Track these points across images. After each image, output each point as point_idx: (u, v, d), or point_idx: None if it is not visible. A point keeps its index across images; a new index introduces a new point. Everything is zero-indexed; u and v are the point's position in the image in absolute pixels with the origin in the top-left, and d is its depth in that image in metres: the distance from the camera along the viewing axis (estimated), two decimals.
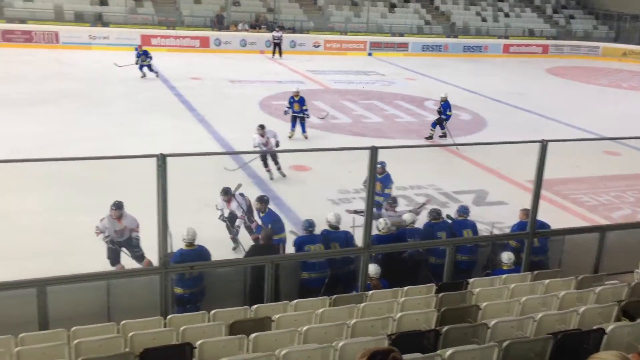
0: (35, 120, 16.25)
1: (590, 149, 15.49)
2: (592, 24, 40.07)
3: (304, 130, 16.18)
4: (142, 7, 31.13)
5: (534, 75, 29.68)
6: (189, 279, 7.44)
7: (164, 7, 31.73)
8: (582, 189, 13.74)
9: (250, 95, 21.01)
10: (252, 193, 10.38)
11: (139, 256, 8.96)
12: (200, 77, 23.93)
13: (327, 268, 7.94)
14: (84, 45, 27.79)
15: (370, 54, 33.11)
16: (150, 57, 22.61)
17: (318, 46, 32.33)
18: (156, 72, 22.96)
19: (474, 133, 18.15)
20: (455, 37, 35.73)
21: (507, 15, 38.67)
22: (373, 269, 7.53)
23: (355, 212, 9.83)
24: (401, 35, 34.74)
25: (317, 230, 8.35)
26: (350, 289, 7.76)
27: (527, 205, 8.31)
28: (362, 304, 6.23)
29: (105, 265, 8.67)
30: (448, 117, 16.90)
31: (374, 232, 8.06)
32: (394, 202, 10.21)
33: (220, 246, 9.13)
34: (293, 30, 32.98)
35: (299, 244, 8.14)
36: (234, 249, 9.74)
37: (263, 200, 9.31)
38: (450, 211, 10.19)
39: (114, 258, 8.95)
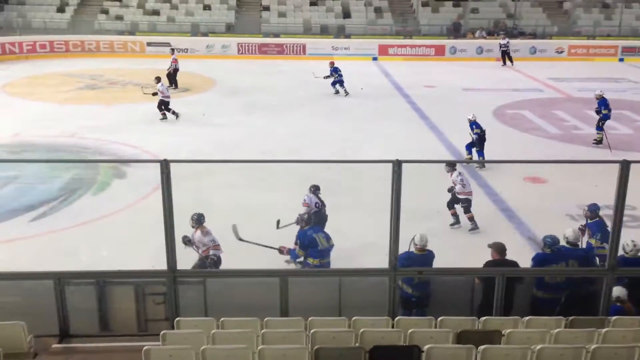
0: (285, 125, 17.80)
1: None
2: None
3: None
4: (381, 18, 32.28)
5: None
6: (418, 283, 7.51)
7: (402, 18, 32.52)
8: None
9: (484, 104, 20.54)
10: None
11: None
12: (433, 85, 24.05)
13: (564, 289, 7.42)
14: (327, 56, 29.60)
15: (621, 60, 30.23)
16: (341, 75, 21.67)
17: (561, 52, 30.41)
18: (346, 91, 21.78)
19: None
20: None
21: None
22: (619, 291, 6.87)
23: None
24: None
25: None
26: (589, 311, 7.16)
27: None
28: (604, 329, 5.73)
29: (336, 263, 9.09)
30: (605, 116, 15.34)
31: (620, 252, 7.35)
32: None
33: (451, 252, 9.06)
34: (534, 36, 31.47)
35: (541, 261, 7.71)
36: None
37: None
38: None
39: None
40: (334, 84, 21.94)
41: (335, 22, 32.00)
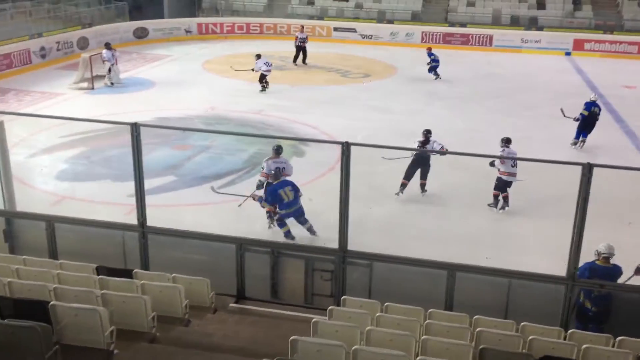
0: (464, 117, 17.40)
1: None
2: None
3: None
4: (580, 11, 30.10)
5: None
6: (597, 296, 7.00)
7: (603, 11, 30.04)
8: None
9: None
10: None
11: None
12: (634, 85, 21.98)
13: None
14: (515, 49, 28.36)
15: None
16: (437, 60, 22.41)
17: None
18: (437, 74, 22.40)
19: None
20: None
21: None
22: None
23: None
24: None
25: None
26: None
27: None
28: None
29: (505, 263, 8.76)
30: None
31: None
32: None
33: None
34: None
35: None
36: None
37: None
38: None
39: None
40: (430, 70, 22.35)
41: (528, 12, 30.39)
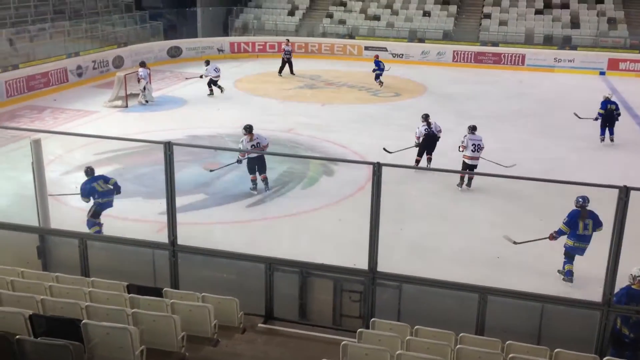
0: (492, 137, 17.21)
1: None
2: None
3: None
4: (614, 30, 29.69)
5: None
6: (635, 322, 6.79)
7: (638, 30, 29.59)
8: None
9: None
10: None
11: None
12: None
13: None
14: (548, 68, 28.10)
15: None
16: (382, 68, 23.83)
17: None
18: (380, 82, 23.85)
19: None
20: None
21: None
22: None
23: None
24: None
25: None
26: None
27: None
28: None
29: (537, 287, 8.60)
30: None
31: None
32: None
33: None
34: None
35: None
36: None
37: None
38: None
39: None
40: (376, 78, 23.82)
41: (561, 32, 30.10)
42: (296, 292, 7.70)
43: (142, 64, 20.78)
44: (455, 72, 27.92)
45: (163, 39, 29.63)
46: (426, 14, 32.23)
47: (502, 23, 30.97)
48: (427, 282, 7.35)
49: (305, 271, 7.69)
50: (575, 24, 30.30)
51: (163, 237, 7.90)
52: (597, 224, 8.99)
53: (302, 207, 12.16)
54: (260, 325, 7.33)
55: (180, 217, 7.90)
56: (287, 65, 25.84)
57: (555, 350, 6.05)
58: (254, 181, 12.65)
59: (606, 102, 16.53)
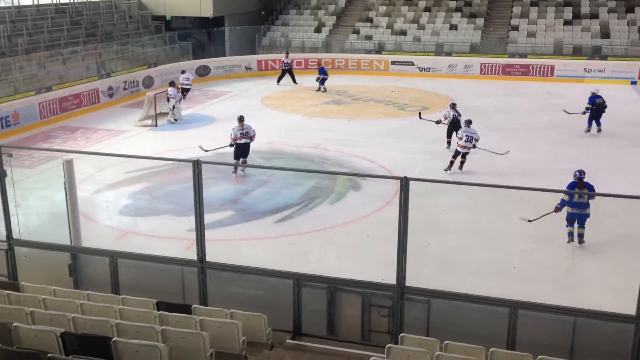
0: (521, 148, 17.05)
1: None
2: None
3: None
4: None
5: None
6: None
7: None
8: None
9: None
10: None
11: None
12: None
13: None
14: (577, 79, 27.71)
15: None
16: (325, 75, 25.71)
17: None
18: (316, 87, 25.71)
19: None
20: None
21: None
22: None
23: None
24: None
25: None
26: None
27: None
28: None
29: (569, 300, 8.44)
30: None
31: None
32: None
33: None
34: None
35: None
36: None
37: None
38: None
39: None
40: (321, 82, 25.73)
41: (591, 42, 29.70)
42: (324, 308, 7.69)
43: (172, 84, 21.14)
44: (483, 84, 27.72)
45: (192, 59, 30.09)
46: (453, 27, 32.13)
47: (530, 34, 30.70)
48: (456, 296, 7.28)
49: (333, 286, 7.69)
50: (605, 33, 29.88)
51: (192, 254, 7.99)
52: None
53: (329, 222, 12.16)
54: (288, 341, 7.33)
55: (208, 234, 7.98)
56: (287, 75, 27.47)
57: None
58: (236, 167, 14.62)
59: (594, 97, 18.26)
